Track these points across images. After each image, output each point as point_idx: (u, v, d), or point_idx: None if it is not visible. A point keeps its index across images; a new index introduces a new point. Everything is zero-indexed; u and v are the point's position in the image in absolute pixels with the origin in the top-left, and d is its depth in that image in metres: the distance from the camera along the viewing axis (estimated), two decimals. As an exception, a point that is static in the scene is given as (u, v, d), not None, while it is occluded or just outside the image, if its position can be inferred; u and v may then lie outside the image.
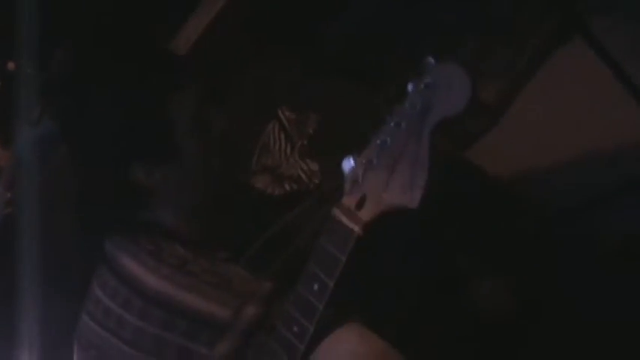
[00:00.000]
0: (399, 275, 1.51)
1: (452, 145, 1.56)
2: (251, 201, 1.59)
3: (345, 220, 1.16)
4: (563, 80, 1.70)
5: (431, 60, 1.10)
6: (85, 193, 1.56)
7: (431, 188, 1.11)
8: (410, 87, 1.11)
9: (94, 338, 1.47)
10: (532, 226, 1.74)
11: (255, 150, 1.57)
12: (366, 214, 1.15)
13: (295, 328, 1.23)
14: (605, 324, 1.62)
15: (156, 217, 1.48)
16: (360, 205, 1.16)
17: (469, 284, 1.68)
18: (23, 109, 1.98)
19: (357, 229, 1.15)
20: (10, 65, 2.05)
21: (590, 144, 1.71)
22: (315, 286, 1.19)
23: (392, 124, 1.12)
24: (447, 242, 1.62)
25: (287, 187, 1.53)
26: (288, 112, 1.59)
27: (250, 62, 1.73)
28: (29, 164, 1.89)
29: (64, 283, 1.67)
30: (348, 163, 1.17)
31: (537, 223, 1.74)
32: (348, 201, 1.17)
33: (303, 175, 1.53)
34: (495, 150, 1.71)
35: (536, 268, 1.69)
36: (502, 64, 1.57)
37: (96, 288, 1.49)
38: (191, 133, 1.44)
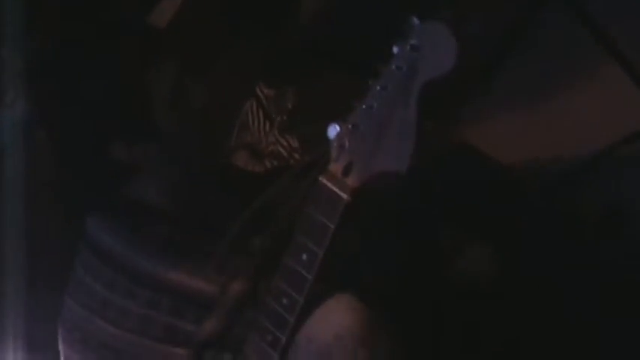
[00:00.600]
0: (386, 244, 1.49)
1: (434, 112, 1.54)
2: (231, 178, 1.57)
3: (332, 187, 1.13)
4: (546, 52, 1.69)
5: (415, 20, 1.08)
6: (65, 175, 1.53)
7: (418, 154, 1.09)
8: (395, 49, 1.08)
9: (78, 320, 1.45)
10: (515, 197, 1.73)
11: (234, 128, 1.55)
12: (354, 180, 1.12)
13: (285, 301, 1.21)
14: (584, 294, 1.62)
15: (138, 195, 1.46)
16: (347, 171, 1.13)
17: (455, 252, 1.67)
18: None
19: (345, 195, 1.12)
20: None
21: (566, 115, 1.70)
22: (304, 257, 1.17)
23: (378, 87, 1.09)
24: (431, 212, 1.60)
25: (267, 163, 1.51)
26: (265, 89, 1.56)
27: (227, 39, 1.70)
28: (7, 149, 1.86)
29: (47, 272, 1.64)
30: (334, 129, 1.15)
31: (520, 195, 1.73)
32: (335, 168, 1.14)
33: (283, 151, 1.51)
34: (480, 126, 1.69)
35: (518, 239, 1.68)
36: (478, 30, 1.54)
37: (79, 270, 1.46)
38: (170, 108, 1.41)
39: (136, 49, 1.42)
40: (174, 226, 1.43)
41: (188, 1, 1.69)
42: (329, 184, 1.14)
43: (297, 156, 1.51)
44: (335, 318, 1.24)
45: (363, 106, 1.11)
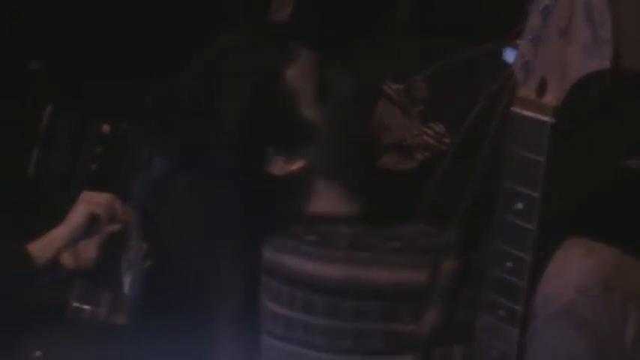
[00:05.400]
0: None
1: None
2: (389, 182, 1.45)
3: (531, 114, 0.96)
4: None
5: None
6: (232, 211, 1.40)
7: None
8: None
9: (285, 358, 1.31)
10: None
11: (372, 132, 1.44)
12: (554, 97, 0.95)
13: (510, 264, 1.04)
14: None
15: (306, 205, 1.33)
16: (541, 90, 0.96)
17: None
18: (132, 160, 1.91)
19: (548, 118, 0.95)
20: (105, 128, 2.01)
21: None
22: (520, 205, 1.00)
23: (550, -19, 0.92)
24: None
25: (419, 156, 1.40)
26: (394, 85, 1.44)
27: (341, 41, 1.58)
28: (153, 211, 1.80)
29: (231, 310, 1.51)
30: (510, 52, 0.99)
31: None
32: (526, 91, 0.97)
33: (430, 140, 1.39)
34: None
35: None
36: None
37: (267, 303, 1.33)
38: (321, 101, 1.29)
39: (270, 46, 1.30)
40: (356, 227, 1.29)
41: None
42: (527, 112, 0.97)
43: (446, 140, 1.37)
44: (572, 269, 1.06)
45: (540, 9, 0.94)
